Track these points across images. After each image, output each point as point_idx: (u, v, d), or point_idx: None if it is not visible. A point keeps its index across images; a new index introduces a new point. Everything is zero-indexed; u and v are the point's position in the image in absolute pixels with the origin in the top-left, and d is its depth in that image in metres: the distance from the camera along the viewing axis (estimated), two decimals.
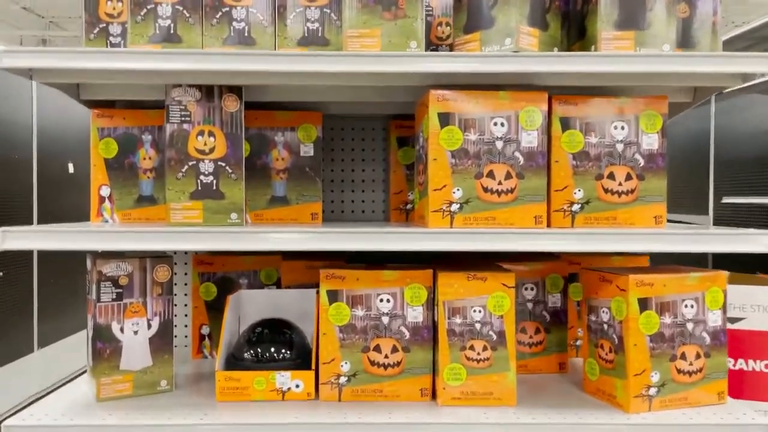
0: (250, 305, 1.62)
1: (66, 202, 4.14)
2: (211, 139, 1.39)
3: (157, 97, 1.54)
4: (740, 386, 1.82)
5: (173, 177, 1.38)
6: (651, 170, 1.38)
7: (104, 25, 1.53)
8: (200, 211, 1.39)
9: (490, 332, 1.36)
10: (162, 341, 1.46)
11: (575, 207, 1.37)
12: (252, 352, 1.44)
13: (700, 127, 4.07)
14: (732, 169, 3.80)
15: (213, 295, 1.75)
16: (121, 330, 1.42)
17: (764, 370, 1.82)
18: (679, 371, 1.36)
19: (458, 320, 1.36)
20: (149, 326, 1.45)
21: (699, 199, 4.06)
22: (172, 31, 1.42)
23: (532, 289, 1.62)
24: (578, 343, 1.76)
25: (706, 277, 1.38)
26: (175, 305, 1.85)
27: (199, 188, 1.39)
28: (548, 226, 1.36)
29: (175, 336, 1.84)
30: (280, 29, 1.44)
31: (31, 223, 3.72)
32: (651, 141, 1.38)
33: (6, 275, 3.46)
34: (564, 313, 1.64)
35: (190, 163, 1.39)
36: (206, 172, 1.39)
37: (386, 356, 1.39)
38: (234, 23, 1.43)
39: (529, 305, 1.62)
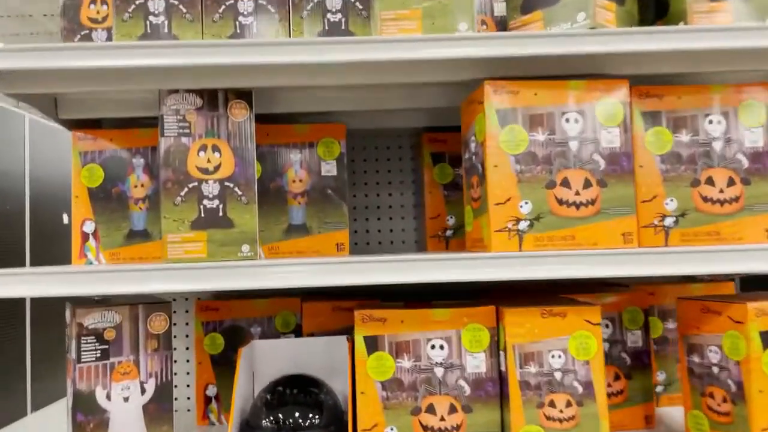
0: (266, 359, 1.34)
1: (60, 254, 3.89)
2: (216, 155, 1.14)
3: (150, 112, 1.29)
4: None
5: (170, 202, 1.12)
6: (758, 172, 1.12)
7: (87, 31, 1.30)
8: (204, 243, 1.12)
9: (574, 383, 1.08)
10: (159, 408, 1.17)
11: (668, 221, 1.10)
12: (272, 417, 1.15)
13: None
14: None
15: (220, 348, 1.46)
16: (108, 397, 1.13)
17: None
18: None
19: (533, 369, 1.08)
20: (143, 390, 1.16)
21: None
22: (165, 30, 1.18)
23: (607, 326, 1.33)
24: (658, 389, 1.46)
25: None
26: (175, 362, 1.56)
27: (202, 215, 1.13)
28: (639, 245, 1.09)
29: (176, 399, 1.54)
30: (295, 23, 1.21)
31: None
32: (755, 137, 1.12)
33: None
34: (647, 354, 1.35)
35: (191, 185, 1.13)
36: (210, 195, 1.13)
37: (442, 419, 1.10)
38: (240, 18, 1.20)
39: (605, 346, 1.33)
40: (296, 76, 1.16)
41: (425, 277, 1.00)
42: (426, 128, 1.52)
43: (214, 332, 1.46)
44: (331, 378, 1.27)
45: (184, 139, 1.13)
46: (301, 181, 1.34)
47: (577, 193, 1.06)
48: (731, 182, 1.12)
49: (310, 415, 1.15)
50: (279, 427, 1.14)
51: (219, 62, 1.04)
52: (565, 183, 1.06)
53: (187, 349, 1.56)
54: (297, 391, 1.20)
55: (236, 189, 1.14)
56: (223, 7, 1.20)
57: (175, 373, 1.56)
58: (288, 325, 1.48)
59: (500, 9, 1.20)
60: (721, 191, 1.11)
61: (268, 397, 1.19)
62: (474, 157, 1.13)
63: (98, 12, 1.30)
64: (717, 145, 1.12)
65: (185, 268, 1.00)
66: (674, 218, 1.11)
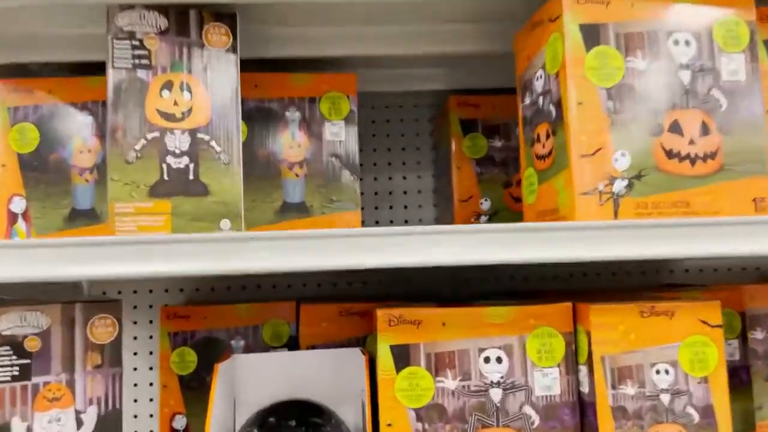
0: (253, 379, 1.01)
1: None
2: (186, 96, 0.83)
3: (103, 55, 0.98)
4: None
5: (120, 159, 0.81)
6: None
7: None
8: (167, 216, 0.80)
9: (688, 408, 0.77)
10: None
11: None
12: None
13: None
14: None
15: (191, 367, 1.13)
16: (29, 431, 0.80)
17: None
18: None
19: (630, 390, 0.77)
20: (79, 423, 0.83)
21: None
22: None
23: None
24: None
25: None
26: (135, 385, 1.23)
27: (166, 178, 0.81)
28: None
29: None
30: None
31: None
32: None
33: None
34: (746, 370, 1.05)
35: (150, 136, 0.82)
36: (177, 151, 0.82)
37: None
38: None
39: None
40: None
41: (486, 257, 0.69)
42: (452, 91, 1.23)
43: (184, 346, 1.12)
44: (339, 405, 0.94)
45: (141, 73, 0.82)
46: (299, 146, 1.04)
47: (692, 142, 0.76)
48: None
49: None
50: None
51: None
52: (675, 128, 0.76)
53: (151, 369, 1.23)
54: (295, 422, 0.88)
55: (213, 144, 0.83)
56: None
57: (135, 400, 1.22)
58: (280, 337, 1.15)
59: None
60: None
61: (255, 431, 0.87)
62: (542, 98, 0.83)
63: None
64: None
65: (134, 242, 0.67)
66: None
